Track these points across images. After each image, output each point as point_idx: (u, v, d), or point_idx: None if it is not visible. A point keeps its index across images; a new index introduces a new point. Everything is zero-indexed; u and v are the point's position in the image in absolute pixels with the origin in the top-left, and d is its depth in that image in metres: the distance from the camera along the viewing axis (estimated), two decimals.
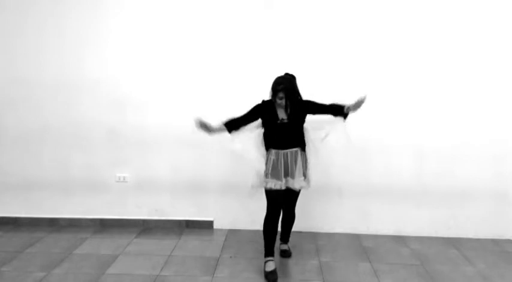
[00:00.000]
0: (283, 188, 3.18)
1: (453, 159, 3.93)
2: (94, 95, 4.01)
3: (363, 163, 3.98)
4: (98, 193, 4.14)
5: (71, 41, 3.97)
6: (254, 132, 3.26)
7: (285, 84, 3.07)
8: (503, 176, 3.93)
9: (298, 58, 3.81)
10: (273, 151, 3.19)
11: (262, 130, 3.25)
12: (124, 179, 4.12)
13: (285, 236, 3.58)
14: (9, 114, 4.07)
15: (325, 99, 3.68)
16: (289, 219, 3.49)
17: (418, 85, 3.88)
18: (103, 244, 3.75)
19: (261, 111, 3.19)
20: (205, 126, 3.18)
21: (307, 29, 3.86)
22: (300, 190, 3.32)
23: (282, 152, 3.17)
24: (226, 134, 3.21)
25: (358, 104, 3.11)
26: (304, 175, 3.21)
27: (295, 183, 3.17)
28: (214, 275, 3.20)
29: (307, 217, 3.98)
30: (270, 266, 3.22)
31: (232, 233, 4.04)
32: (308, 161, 3.25)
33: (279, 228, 3.55)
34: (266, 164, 3.20)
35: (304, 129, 3.25)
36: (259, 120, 3.23)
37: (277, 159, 3.17)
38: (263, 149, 3.25)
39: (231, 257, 3.52)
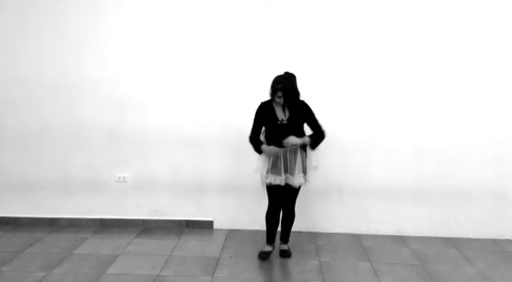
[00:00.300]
0: (283, 183, 3.27)
1: (453, 159, 3.93)
2: (94, 95, 4.01)
3: (363, 163, 3.98)
4: (98, 193, 4.14)
5: (71, 41, 3.97)
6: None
7: (284, 84, 3.11)
8: (503, 176, 3.93)
9: (298, 58, 3.81)
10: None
11: (263, 129, 3.33)
12: (124, 179, 4.12)
13: (285, 236, 3.58)
14: (9, 114, 4.07)
15: (325, 100, 3.70)
16: (289, 217, 3.50)
17: (419, 85, 3.88)
18: (103, 244, 3.75)
19: (263, 114, 3.26)
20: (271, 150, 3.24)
21: (307, 29, 3.86)
22: (299, 188, 3.37)
23: (282, 149, 3.22)
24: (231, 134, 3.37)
25: (290, 142, 3.16)
26: (304, 172, 3.27)
27: (295, 180, 3.25)
28: (214, 275, 3.20)
29: (307, 217, 3.98)
30: (266, 248, 3.49)
31: (232, 233, 4.04)
32: (308, 158, 3.31)
33: (279, 228, 3.58)
34: (267, 160, 3.28)
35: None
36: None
37: (277, 156, 3.24)
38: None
39: (231, 257, 3.52)
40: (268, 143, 3.27)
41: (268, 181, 3.28)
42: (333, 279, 3.17)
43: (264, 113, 3.26)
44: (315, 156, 3.36)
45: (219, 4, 3.88)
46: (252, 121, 3.33)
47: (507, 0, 3.79)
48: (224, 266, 3.35)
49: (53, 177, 4.12)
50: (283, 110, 3.22)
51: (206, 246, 3.73)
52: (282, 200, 3.39)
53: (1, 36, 3.99)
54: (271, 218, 3.44)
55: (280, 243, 3.59)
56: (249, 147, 3.45)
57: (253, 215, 3.96)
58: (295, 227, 3.60)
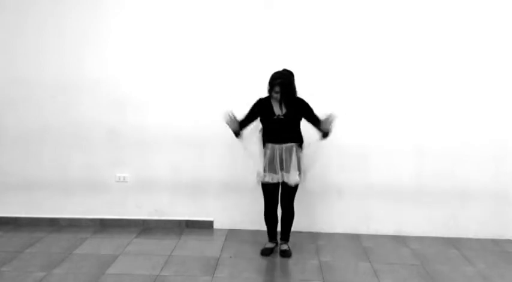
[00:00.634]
0: (280, 181, 3.32)
1: (453, 159, 3.92)
2: (94, 95, 4.01)
3: (363, 163, 3.98)
4: (98, 193, 4.14)
5: (71, 41, 3.97)
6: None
7: (282, 79, 3.17)
8: (503, 176, 3.93)
9: (298, 58, 3.80)
10: (269, 145, 3.31)
11: (261, 126, 3.38)
12: (124, 179, 4.12)
13: (285, 234, 3.58)
14: (9, 114, 4.07)
15: (324, 100, 3.69)
16: (288, 215, 3.51)
17: (418, 85, 3.88)
18: (103, 244, 3.75)
19: (258, 108, 3.32)
20: (232, 121, 3.26)
21: (307, 29, 3.86)
22: (296, 186, 3.39)
23: (277, 146, 3.28)
24: (231, 134, 3.37)
25: (326, 122, 3.19)
26: (299, 170, 3.31)
27: (290, 178, 3.29)
28: (214, 275, 3.20)
29: (307, 217, 3.98)
30: (268, 244, 3.58)
31: (232, 233, 4.04)
32: (303, 156, 3.36)
33: (279, 228, 3.59)
34: (263, 158, 3.33)
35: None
36: (258, 118, 3.35)
37: (273, 153, 3.29)
38: (261, 144, 3.39)
39: (231, 257, 3.52)
40: (265, 138, 3.34)
41: (265, 180, 3.32)
42: (333, 279, 3.17)
43: (259, 109, 3.32)
44: (310, 157, 3.43)
45: (219, 4, 3.88)
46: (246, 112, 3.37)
47: (507, 1, 3.79)
48: (224, 266, 3.34)
49: (53, 177, 4.12)
50: (280, 105, 3.26)
51: (206, 246, 3.72)
52: (277, 199, 3.44)
53: (1, 36, 3.99)
54: (268, 216, 3.50)
55: (281, 243, 3.59)
56: (249, 147, 3.52)
57: (253, 215, 3.95)
58: (295, 227, 3.60)
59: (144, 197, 4.14)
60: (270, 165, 3.30)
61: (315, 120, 3.32)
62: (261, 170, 3.35)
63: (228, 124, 3.30)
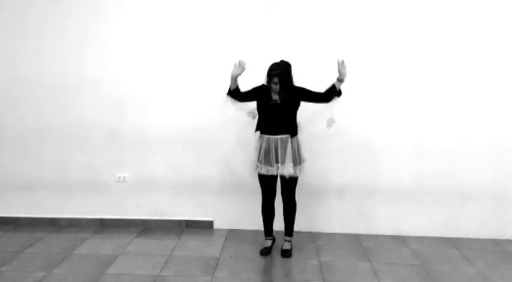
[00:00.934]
0: (275, 174, 3.37)
1: (453, 159, 3.92)
2: (94, 95, 4.01)
3: (363, 163, 3.98)
4: (98, 193, 4.14)
5: (71, 41, 3.97)
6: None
7: (280, 70, 3.25)
8: (503, 176, 3.93)
9: (298, 58, 3.79)
10: (265, 137, 3.36)
11: (257, 117, 3.45)
12: (124, 179, 4.12)
13: (288, 229, 3.58)
14: (9, 114, 4.07)
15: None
16: (290, 207, 3.51)
17: (418, 85, 3.88)
18: (103, 244, 3.75)
19: (258, 92, 3.40)
20: (240, 66, 3.38)
21: (307, 29, 3.86)
22: (296, 179, 3.42)
23: (273, 138, 3.33)
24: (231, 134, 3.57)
25: (341, 71, 3.32)
26: (295, 162, 3.34)
27: (285, 170, 3.33)
28: (214, 275, 3.20)
29: (307, 217, 3.98)
30: (266, 243, 3.59)
31: (232, 233, 4.04)
32: (300, 148, 3.41)
33: (277, 227, 3.59)
34: (259, 150, 3.38)
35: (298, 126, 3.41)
36: (255, 105, 3.44)
37: (268, 145, 3.34)
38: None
39: (231, 257, 3.52)
40: (260, 128, 3.39)
41: (262, 172, 3.37)
42: (333, 279, 3.17)
43: (259, 93, 3.40)
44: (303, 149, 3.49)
45: (219, 4, 3.88)
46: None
47: (507, 1, 3.79)
48: (224, 266, 3.35)
49: (53, 177, 4.12)
50: (279, 94, 3.32)
51: (206, 246, 3.73)
52: (274, 192, 3.49)
53: (1, 36, 3.99)
54: (265, 209, 3.54)
55: (284, 240, 3.59)
56: (249, 147, 3.53)
57: (253, 215, 3.94)
58: (295, 227, 3.60)
59: (144, 197, 4.14)
60: (266, 158, 3.35)
61: (316, 96, 3.39)
62: (256, 160, 3.41)
63: (234, 66, 3.38)
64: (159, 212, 4.17)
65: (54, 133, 4.07)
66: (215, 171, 4.05)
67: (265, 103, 3.36)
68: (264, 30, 3.87)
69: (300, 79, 3.40)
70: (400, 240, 3.93)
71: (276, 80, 3.24)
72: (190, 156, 4.04)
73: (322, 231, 4.08)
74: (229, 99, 3.51)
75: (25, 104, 4.05)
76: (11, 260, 3.40)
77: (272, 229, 3.63)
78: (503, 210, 3.98)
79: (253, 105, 3.50)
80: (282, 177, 3.40)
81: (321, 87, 3.63)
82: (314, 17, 3.86)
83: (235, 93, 3.44)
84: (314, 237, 3.96)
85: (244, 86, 3.55)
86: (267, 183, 3.45)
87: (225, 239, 3.90)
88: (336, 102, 3.49)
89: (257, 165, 3.40)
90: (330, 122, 3.62)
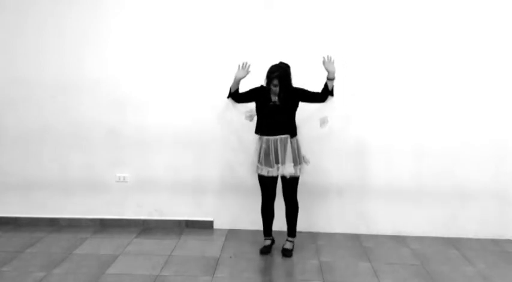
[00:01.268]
0: (275, 174, 3.38)
1: (453, 159, 3.92)
2: (94, 95, 4.01)
3: (363, 163, 3.98)
4: (98, 193, 4.14)
5: (71, 41, 3.97)
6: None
7: (279, 72, 3.26)
8: (503, 176, 3.93)
9: (298, 58, 3.79)
10: (264, 139, 3.37)
11: (255, 119, 3.47)
12: (124, 179, 4.12)
13: (290, 230, 3.58)
14: (9, 114, 4.07)
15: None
16: (292, 209, 3.52)
17: (419, 85, 3.88)
18: (103, 244, 3.75)
19: (257, 93, 3.41)
20: (243, 70, 3.43)
21: (307, 29, 3.86)
22: (297, 179, 3.43)
23: (272, 139, 3.35)
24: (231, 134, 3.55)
25: (329, 69, 3.34)
26: (295, 162, 3.35)
27: (285, 170, 3.34)
28: (214, 275, 3.20)
29: (307, 217, 3.97)
30: (265, 243, 3.60)
31: (232, 233, 4.04)
32: (300, 147, 3.43)
33: (276, 227, 3.60)
34: (259, 151, 3.40)
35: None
36: (254, 109, 3.46)
37: (268, 146, 3.35)
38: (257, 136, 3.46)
39: (231, 257, 3.52)
40: (260, 129, 3.40)
41: (263, 173, 3.38)
42: (333, 279, 3.17)
43: (258, 94, 3.41)
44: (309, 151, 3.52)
45: (219, 4, 3.88)
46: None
47: (507, 1, 3.79)
48: (224, 266, 3.35)
49: (53, 177, 4.12)
50: (279, 96, 3.33)
51: (206, 246, 3.72)
52: (274, 193, 3.50)
53: (1, 36, 4.00)
54: (264, 210, 3.55)
55: (286, 240, 3.59)
56: (249, 147, 3.54)
57: (253, 215, 3.94)
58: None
59: (144, 197, 4.14)
60: (266, 159, 3.36)
61: (314, 96, 3.43)
62: (256, 161, 3.42)
63: (238, 69, 3.44)
64: (159, 212, 4.17)
65: (54, 133, 4.07)
66: (215, 171, 4.05)
67: (264, 104, 3.37)
68: (264, 30, 3.87)
69: (300, 79, 3.40)
70: (400, 240, 3.92)
71: (275, 82, 3.25)
72: (190, 156, 4.04)
73: (322, 231, 4.08)
74: (230, 102, 3.56)
75: (25, 104, 4.05)
76: (11, 260, 3.40)
77: (271, 230, 3.63)
78: (503, 210, 3.98)
79: (250, 107, 3.51)
80: (283, 178, 3.41)
81: (320, 88, 3.64)
82: (314, 17, 3.86)
83: (235, 96, 3.47)
84: (314, 237, 3.96)
85: (244, 86, 3.57)
86: (267, 184, 3.46)
87: (225, 239, 3.90)
88: (332, 102, 3.50)
89: (257, 167, 3.42)
90: (323, 121, 3.63)
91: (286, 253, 3.53)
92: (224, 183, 4.07)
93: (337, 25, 3.86)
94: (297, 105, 3.41)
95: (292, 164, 3.34)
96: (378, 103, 3.92)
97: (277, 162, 3.35)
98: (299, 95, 3.39)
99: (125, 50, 3.96)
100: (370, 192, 4.01)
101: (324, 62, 3.37)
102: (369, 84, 3.89)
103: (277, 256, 3.54)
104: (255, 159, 3.43)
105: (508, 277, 3.28)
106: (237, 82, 3.43)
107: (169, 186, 4.10)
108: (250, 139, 3.60)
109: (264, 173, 3.38)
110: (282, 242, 3.63)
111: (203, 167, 4.05)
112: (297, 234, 3.65)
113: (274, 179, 3.44)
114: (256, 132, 3.44)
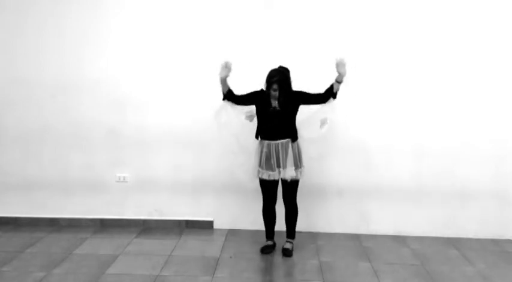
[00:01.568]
0: (277, 178, 3.38)
1: (453, 159, 3.92)
2: (94, 95, 4.01)
3: (363, 163, 3.98)
4: (98, 193, 4.14)
5: (71, 41, 3.97)
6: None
7: (279, 77, 3.25)
8: (503, 176, 3.93)
9: (298, 58, 3.80)
10: (265, 143, 3.37)
11: (256, 122, 3.44)
12: (124, 179, 4.12)
13: (289, 232, 3.59)
14: (9, 114, 4.07)
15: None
16: (291, 212, 3.53)
17: (419, 85, 3.88)
18: (103, 244, 3.75)
19: (257, 97, 3.38)
20: (225, 68, 3.29)
21: (307, 29, 3.86)
22: (297, 182, 3.43)
23: (273, 143, 3.34)
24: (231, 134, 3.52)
25: (340, 71, 3.26)
26: (296, 165, 3.35)
27: (286, 173, 3.34)
28: (214, 275, 3.20)
29: (307, 217, 3.97)
30: (267, 243, 3.60)
31: (232, 233, 4.04)
32: (301, 151, 3.41)
33: (278, 227, 3.60)
34: (260, 155, 3.39)
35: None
36: (254, 109, 3.43)
37: (269, 150, 3.35)
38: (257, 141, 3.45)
39: (231, 257, 3.52)
40: (260, 133, 3.39)
41: (264, 177, 3.38)
42: (333, 279, 3.17)
43: (258, 98, 3.38)
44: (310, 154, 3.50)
45: (219, 4, 3.88)
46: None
47: (507, 1, 3.79)
48: (224, 266, 3.35)
49: (53, 177, 4.12)
50: (278, 100, 3.31)
51: (206, 246, 3.73)
52: (275, 196, 3.50)
53: (1, 36, 4.00)
54: (266, 213, 3.56)
55: (286, 241, 3.60)
56: (249, 147, 3.52)
57: (253, 215, 3.95)
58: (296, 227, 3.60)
59: (144, 197, 4.13)
60: (267, 163, 3.36)
61: (314, 98, 3.37)
62: (257, 165, 3.42)
63: (221, 68, 3.28)
64: (159, 212, 4.17)
65: (54, 133, 4.07)
66: (215, 171, 4.05)
67: (264, 109, 3.36)
68: (263, 30, 3.87)
69: (300, 80, 3.40)
70: (400, 240, 3.92)
71: (275, 86, 3.25)
72: (190, 156, 4.04)
73: (322, 231, 4.08)
74: (228, 103, 3.43)
75: (25, 104, 4.05)
76: (11, 260, 3.40)
77: (273, 232, 3.63)
78: (503, 210, 3.98)
79: (250, 108, 3.49)
80: (284, 181, 3.41)
81: (321, 89, 3.64)
82: (314, 17, 3.86)
83: (230, 96, 3.39)
84: (314, 237, 3.96)
85: (244, 88, 3.58)
86: (268, 187, 3.46)
87: (225, 239, 3.90)
88: (331, 103, 3.48)
89: (259, 171, 3.41)
90: (323, 123, 3.59)
91: (287, 253, 3.54)
92: (224, 183, 4.06)
93: (337, 25, 3.86)
94: (297, 109, 3.40)
95: (293, 168, 3.34)
96: (378, 103, 3.91)
97: (278, 166, 3.35)
98: (299, 99, 3.37)
99: (124, 50, 3.96)
100: (370, 192, 4.01)
101: (337, 65, 3.26)
102: (369, 85, 3.89)
103: (277, 256, 3.54)
104: (256, 163, 3.43)
105: (508, 277, 3.28)
106: (223, 82, 3.34)
107: (169, 186, 4.10)
108: (250, 139, 3.58)
109: (265, 177, 3.38)
110: (282, 242, 3.63)
111: (203, 167, 4.05)
112: (297, 234, 3.65)
113: (275, 183, 3.44)
114: (257, 136, 3.43)
